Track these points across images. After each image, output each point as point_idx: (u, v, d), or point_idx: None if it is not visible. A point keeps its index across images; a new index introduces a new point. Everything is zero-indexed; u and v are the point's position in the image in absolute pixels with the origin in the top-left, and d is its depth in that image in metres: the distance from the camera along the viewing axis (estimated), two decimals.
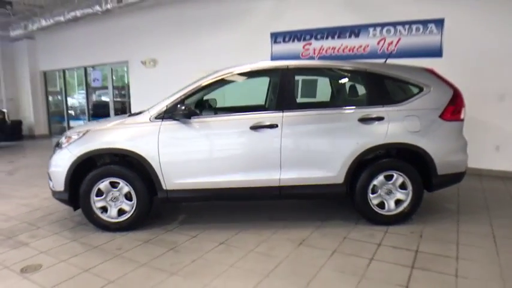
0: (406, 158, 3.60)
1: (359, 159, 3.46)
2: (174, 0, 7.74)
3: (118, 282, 2.67)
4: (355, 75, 3.77)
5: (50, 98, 11.66)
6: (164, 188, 3.48)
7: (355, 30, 6.27)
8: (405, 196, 3.55)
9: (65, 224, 3.85)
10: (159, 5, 8.09)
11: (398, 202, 3.57)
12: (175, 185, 3.48)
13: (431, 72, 3.72)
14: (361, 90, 3.83)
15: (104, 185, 3.51)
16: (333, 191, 3.52)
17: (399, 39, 5.93)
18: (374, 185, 3.53)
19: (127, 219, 3.57)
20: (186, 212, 4.15)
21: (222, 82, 3.64)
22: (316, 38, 6.65)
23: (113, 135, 3.52)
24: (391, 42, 6.00)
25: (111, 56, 9.39)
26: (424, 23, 5.69)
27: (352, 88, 3.84)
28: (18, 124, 10.64)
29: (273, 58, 7.13)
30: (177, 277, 2.72)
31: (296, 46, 6.85)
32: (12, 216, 4.12)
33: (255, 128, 3.42)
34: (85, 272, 2.83)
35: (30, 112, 11.08)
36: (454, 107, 3.57)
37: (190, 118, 3.43)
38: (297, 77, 3.74)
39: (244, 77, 3.77)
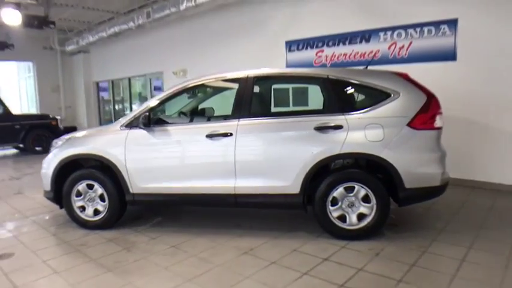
0: (373, 170, 3.41)
1: (315, 169, 3.34)
2: (197, 13, 8.10)
3: (62, 273, 2.95)
4: (317, 82, 3.65)
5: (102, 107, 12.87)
6: (131, 191, 3.71)
7: (365, 35, 6.02)
8: (369, 210, 3.35)
9: (57, 220, 4.26)
10: (184, 18, 8.52)
11: (361, 216, 3.38)
12: (140, 188, 3.69)
13: (403, 77, 3.48)
14: (322, 97, 3.70)
15: (82, 186, 3.85)
16: (288, 201, 3.45)
17: (410, 43, 5.56)
18: (334, 197, 3.38)
19: (101, 218, 3.87)
20: (164, 215, 4.34)
21: (187, 91, 3.80)
22: (328, 45, 6.50)
23: (89, 142, 3.86)
24: (402, 47, 5.65)
25: (149, 67, 10.11)
26: (437, 24, 5.27)
27: (314, 95, 3.73)
28: (71, 130, 11.87)
29: (287, 66, 7.10)
30: (110, 274, 2.92)
31: (309, 54, 6.76)
32: (20, 210, 4.67)
33: (211, 136, 3.50)
34: (43, 262, 3.16)
35: (84, 119, 12.33)
36: (426, 115, 3.29)
37: (149, 126, 3.62)
38: (262, 86, 3.76)
39: (210, 87, 3.87)
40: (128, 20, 8.52)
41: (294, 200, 3.42)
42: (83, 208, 3.90)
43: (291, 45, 7.05)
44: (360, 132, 3.29)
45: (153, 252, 3.31)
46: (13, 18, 6.20)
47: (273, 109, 3.76)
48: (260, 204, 3.57)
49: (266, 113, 3.67)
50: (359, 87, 3.49)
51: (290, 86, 3.95)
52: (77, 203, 3.89)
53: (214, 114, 4.33)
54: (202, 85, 3.82)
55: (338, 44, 6.37)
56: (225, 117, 3.66)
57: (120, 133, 3.73)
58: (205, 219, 4.12)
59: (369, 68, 3.85)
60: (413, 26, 5.49)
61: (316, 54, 6.67)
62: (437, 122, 3.34)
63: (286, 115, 3.64)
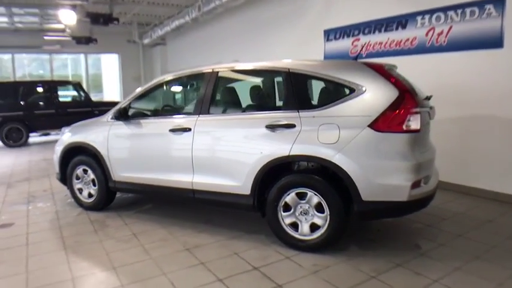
0: (334, 176, 3.02)
1: (264, 171, 3.12)
2: (243, 4, 8.06)
3: (29, 246, 3.37)
4: (278, 76, 3.32)
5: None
6: (113, 178, 3.99)
7: (402, 21, 5.26)
8: (322, 221, 3.00)
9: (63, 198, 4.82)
10: (232, 10, 8.56)
11: (314, 227, 3.05)
12: (119, 177, 3.95)
13: (375, 68, 2.97)
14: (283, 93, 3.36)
15: (79, 171, 4.28)
16: (239, 202, 3.29)
17: (450, 28, 4.67)
18: (286, 202, 3.12)
19: (92, 201, 4.27)
20: (156, 203, 4.52)
21: (161, 86, 3.87)
22: (364, 33, 5.87)
23: (83, 131, 4.24)
24: (441, 32, 4.78)
25: (208, 59, 10.48)
26: (481, 4, 4.32)
27: (272, 91, 3.41)
28: None
29: (325, 56, 6.67)
30: (61, 252, 3.24)
31: (345, 43, 6.21)
32: (47, 189, 5.39)
33: (174, 130, 3.52)
34: (25, 234, 3.64)
35: None
36: (394, 114, 2.77)
37: (127, 119, 3.81)
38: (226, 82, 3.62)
39: (181, 82, 3.88)
40: (184, 15, 8.95)
41: (244, 201, 3.26)
42: (80, 190, 4.33)
43: (329, 34, 6.57)
44: (312, 133, 2.94)
45: (113, 237, 3.53)
46: (69, 18, 7.13)
47: (240, 104, 3.57)
48: (215, 202, 3.49)
49: (227, 109, 3.53)
50: (322, 82, 3.11)
51: (258, 81, 3.68)
52: (77, 185, 4.34)
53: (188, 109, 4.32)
54: (176, 79, 3.85)
55: (374, 32, 5.71)
56: (189, 112, 3.64)
57: (106, 124, 4.01)
58: (189, 211, 4.17)
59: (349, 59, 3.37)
60: (454, 8, 4.60)
61: (352, 43, 6.09)
62: (410, 124, 2.78)
63: (242, 111, 3.44)
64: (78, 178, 4.31)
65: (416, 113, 2.80)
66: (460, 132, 4.74)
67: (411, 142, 2.81)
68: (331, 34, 6.52)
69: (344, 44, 6.24)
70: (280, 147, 3.04)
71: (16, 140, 9.35)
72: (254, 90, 3.62)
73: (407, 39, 5.21)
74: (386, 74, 2.93)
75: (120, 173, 3.92)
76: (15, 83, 10.24)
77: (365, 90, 2.88)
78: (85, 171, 4.23)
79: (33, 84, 10.10)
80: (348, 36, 6.16)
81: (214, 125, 3.39)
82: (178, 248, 3.25)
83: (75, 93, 10.46)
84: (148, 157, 3.75)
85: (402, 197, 2.77)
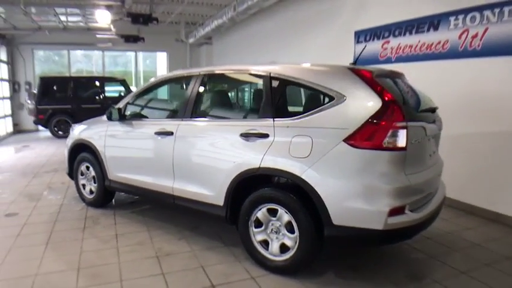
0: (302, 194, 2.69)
1: (237, 182, 2.92)
2: (276, 4, 7.82)
3: (21, 236, 3.56)
4: (260, 80, 3.06)
5: None
6: (108, 177, 4.05)
7: (434, 22, 4.69)
8: (292, 242, 2.74)
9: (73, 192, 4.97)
10: (266, 10, 8.36)
11: (284, 248, 2.79)
12: (114, 176, 4.00)
13: (361, 75, 2.62)
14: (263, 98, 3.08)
15: (83, 167, 4.42)
16: (214, 213, 3.13)
17: (486, 30, 4.05)
18: (257, 218, 2.90)
19: (93, 197, 4.40)
20: (152, 204, 4.51)
21: (155, 87, 3.83)
22: (394, 35, 5.36)
23: (86, 129, 4.35)
24: (476, 35, 4.17)
25: (248, 59, 10.41)
26: None
27: (252, 96, 3.16)
28: None
29: (355, 60, 6.21)
30: (42, 246, 3.33)
31: (375, 46, 5.72)
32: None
33: (159, 133, 3.47)
34: (25, 224, 3.82)
35: None
36: (375, 128, 2.42)
37: (120, 120, 3.83)
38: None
39: (173, 84, 3.79)
40: (222, 15, 8.94)
41: (218, 212, 3.09)
42: (84, 186, 4.47)
43: (359, 36, 6.11)
44: (284, 144, 2.69)
45: (96, 236, 3.58)
46: (104, 18, 7.46)
47: (221, 110, 3.41)
48: (193, 211, 3.36)
49: (208, 114, 3.37)
50: (303, 88, 2.83)
51: (240, 86, 3.47)
52: (81, 181, 4.50)
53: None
54: (169, 81, 3.79)
55: (404, 34, 5.18)
56: (175, 116, 3.54)
57: (105, 123, 4.08)
58: (181, 216, 4.09)
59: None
60: (491, 7, 3.98)
61: (382, 46, 5.59)
62: (393, 140, 2.41)
63: (221, 118, 3.25)
64: (82, 174, 4.45)
65: (401, 127, 2.42)
66: (492, 149, 4.11)
67: (393, 162, 2.43)
68: (361, 36, 6.06)
69: (374, 47, 5.76)
70: (251, 158, 2.83)
71: (64, 131, 10.07)
72: (235, 95, 3.44)
73: (439, 42, 4.64)
74: (372, 81, 2.57)
75: (115, 172, 3.96)
76: (66, 78, 11.04)
77: (345, 100, 2.55)
78: (88, 168, 4.35)
79: (82, 79, 10.82)
80: (378, 38, 5.67)
81: (193, 130, 3.27)
82: (150, 254, 3.19)
83: (122, 88, 11.01)
84: (137, 159, 3.74)
85: (377, 225, 2.40)
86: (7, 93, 11.12)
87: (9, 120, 11.21)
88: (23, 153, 8.37)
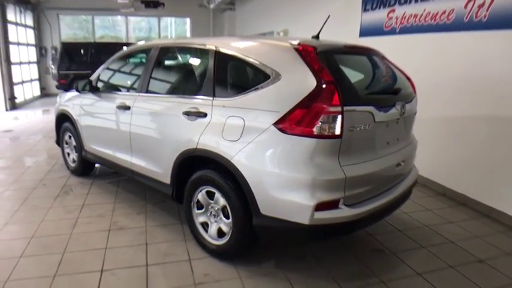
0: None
1: (180, 161, 2.83)
2: None
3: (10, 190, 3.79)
4: (206, 55, 2.83)
5: None
6: (84, 148, 4.11)
7: None
8: (227, 228, 2.64)
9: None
10: None
11: (221, 232, 2.70)
12: (88, 147, 4.06)
13: (301, 51, 2.34)
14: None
15: (67, 137, 4.53)
16: (162, 190, 3.08)
17: None
18: (198, 199, 2.81)
19: (74, 167, 4.52)
20: None
21: (123, 59, 3.74)
22: (399, 2, 4.81)
23: (67, 100, 4.39)
24: (482, 4, 3.62)
25: (264, 27, 10.01)
26: None
27: (199, 72, 2.94)
28: None
29: (361, 30, 5.73)
30: (11, 213, 3.50)
31: (381, 15, 5.20)
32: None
33: (119, 107, 3.42)
34: (8, 191, 4.02)
35: None
36: (305, 112, 2.18)
37: (89, 91, 3.82)
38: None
39: (138, 56, 3.66)
40: None
41: (166, 190, 3.04)
42: (68, 154, 4.59)
43: (366, 3, 5.57)
44: (219, 125, 2.53)
45: (64, 205, 3.69)
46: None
47: (172, 85, 3.26)
48: (148, 186, 3.32)
49: (161, 89, 3.23)
50: (244, 64, 2.60)
51: (191, 60, 3.26)
52: (66, 149, 4.62)
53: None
54: (135, 53, 3.67)
55: (410, 1, 4.63)
56: (134, 89, 3.44)
57: (80, 94, 4.08)
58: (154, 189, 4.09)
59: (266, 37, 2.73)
60: None
61: (388, 15, 5.07)
62: (328, 127, 2.15)
63: (171, 93, 3.10)
64: (66, 143, 4.56)
65: (336, 112, 2.16)
66: (492, 136, 3.67)
67: (325, 151, 2.19)
68: (368, 3, 5.52)
69: (379, 16, 5.24)
70: (190, 137, 2.70)
71: None
72: (184, 70, 3.26)
73: (444, 12, 4.10)
74: (311, 59, 2.29)
75: (88, 143, 4.01)
76: (87, 44, 11.24)
77: (280, 79, 2.32)
78: (70, 137, 4.44)
79: (103, 45, 10.95)
80: (384, 6, 5.14)
81: (146, 106, 3.17)
82: (104, 227, 3.23)
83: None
84: (103, 132, 3.75)
85: (303, 219, 2.21)
86: (34, 58, 11.60)
87: (37, 84, 11.76)
88: (43, 117, 8.79)
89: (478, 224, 3.54)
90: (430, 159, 4.40)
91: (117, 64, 3.83)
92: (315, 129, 2.15)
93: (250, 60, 2.50)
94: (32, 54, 11.41)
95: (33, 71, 11.41)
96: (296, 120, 2.20)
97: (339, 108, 2.15)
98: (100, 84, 3.88)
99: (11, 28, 9.61)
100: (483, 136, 3.75)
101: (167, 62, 3.32)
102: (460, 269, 2.74)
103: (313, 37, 2.89)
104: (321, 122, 2.14)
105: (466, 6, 3.83)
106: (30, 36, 11.29)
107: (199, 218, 2.84)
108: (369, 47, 2.94)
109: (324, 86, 2.17)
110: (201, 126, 2.64)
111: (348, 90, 2.28)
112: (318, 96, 2.16)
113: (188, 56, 3.18)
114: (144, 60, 3.46)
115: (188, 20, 13.69)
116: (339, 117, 2.15)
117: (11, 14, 9.75)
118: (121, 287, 2.43)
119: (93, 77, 3.92)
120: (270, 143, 2.29)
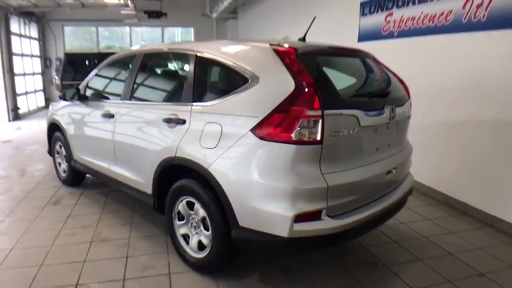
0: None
1: (160, 170, 2.72)
2: None
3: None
4: (186, 60, 2.72)
5: None
6: (73, 157, 4.03)
7: None
8: (207, 240, 2.51)
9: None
10: None
11: (201, 245, 2.57)
12: (77, 157, 3.98)
13: (280, 53, 2.23)
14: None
15: (57, 146, 4.46)
16: (145, 200, 2.97)
17: None
18: (179, 210, 2.68)
19: (65, 176, 4.45)
20: None
21: (110, 67, 3.68)
22: (397, 6, 4.68)
23: (56, 109, 4.33)
24: (481, 4, 3.47)
25: (266, 34, 9.94)
26: None
27: (179, 78, 2.85)
28: None
29: (359, 34, 5.60)
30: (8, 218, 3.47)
31: (378, 19, 5.07)
32: None
33: (104, 116, 3.34)
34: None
35: None
36: (283, 117, 2.05)
37: (76, 100, 3.76)
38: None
39: (123, 63, 3.57)
40: None
41: (148, 201, 2.93)
42: (60, 164, 4.52)
43: (364, 7, 5.45)
44: (197, 132, 2.42)
45: (50, 216, 3.60)
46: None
47: (154, 92, 3.17)
48: (132, 197, 3.21)
49: (144, 96, 3.14)
50: (223, 68, 2.50)
51: (172, 66, 3.17)
52: (57, 159, 4.55)
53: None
54: (120, 60, 3.59)
55: (407, 4, 4.50)
56: (118, 97, 3.36)
57: (69, 104, 4.02)
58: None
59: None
60: None
61: (385, 18, 4.93)
62: (307, 132, 2.01)
63: (151, 101, 3.01)
64: (58, 153, 4.50)
65: (315, 116, 2.02)
66: (494, 141, 3.48)
67: (304, 158, 2.05)
68: (366, 7, 5.40)
69: (377, 20, 5.11)
70: (169, 145, 2.60)
71: None
72: (166, 76, 3.17)
73: (442, 13, 3.96)
74: (290, 60, 2.17)
75: (77, 153, 3.94)
76: (90, 54, 11.32)
77: (258, 82, 2.20)
78: (60, 147, 4.37)
79: (105, 55, 10.98)
80: (382, 9, 5.01)
81: (128, 114, 3.09)
82: (86, 239, 3.12)
83: None
84: (90, 141, 3.68)
85: (282, 232, 2.07)
86: (38, 69, 11.72)
87: (41, 94, 11.87)
88: (45, 127, 8.78)
89: (481, 234, 3.34)
90: (432, 166, 4.22)
91: (103, 71, 3.77)
92: (294, 135, 2.02)
93: (229, 63, 2.40)
94: (36, 65, 11.54)
95: (37, 82, 11.52)
96: (274, 125, 2.07)
97: (319, 112, 2.02)
98: (88, 93, 3.82)
99: (14, 40, 9.73)
100: (486, 141, 3.57)
101: (150, 69, 3.23)
102: (458, 283, 2.55)
103: (299, 39, 2.78)
104: (299, 127, 2.01)
105: (464, 7, 3.68)
106: (34, 47, 11.44)
107: (181, 230, 2.72)
108: (358, 48, 2.81)
109: (302, 88, 2.04)
110: (180, 134, 2.53)
111: (329, 93, 2.15)
112: (297, 100, 2.03)
113: (170, 61, 3.10)
114: (129, 67, 3.37)
115: (192, 29, 13.71)
116: (319, 121, 2.02)
117: (15, 25, 9.88)
118: None
119: (82, 85, 3.86)
120: (248, 150, 2.16)
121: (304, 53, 2.26)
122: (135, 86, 3.13)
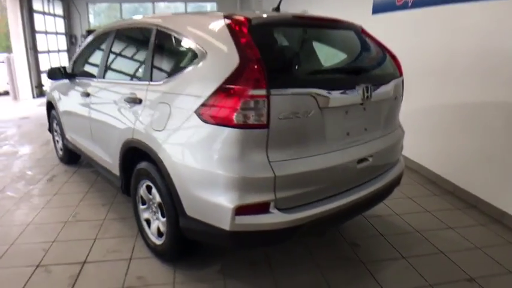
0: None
1: (123, 152, 2.61)
2: None
3: None
4: (148, 35, 2.52)
5: None
6: (66, 136, 4.03)
7: None
8: (164, 227, 2.38)
9: None
10: None
11: (160, 232, 2.46)
12: (68, 136, 3.97)
13: (229, 23, 1.98)
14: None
15: (54, 124, 4.49)
16: (115, 182, 2.89)
17: None
18: (141, 195, 2.58)
19: (62, 154, 4.50)
20: None
21: (94, 44, 3.55)
22: None
23: (53, 88, 4.31)
24: None
25: (288, 8, 9.47)
26: None
27: (142, 54, 2.64)
28: None
29: (374, 6, 5.12)
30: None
31: None
32: None
33: (83, 94, 3.27)
34: None
35: None
36: (225, 97, 1.84)
37: (64, 78, 3.70)
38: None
39: (105, 39, 3.42)
40: None
41: (117, 183, 2.84)
42: (58, 141, 4.57)
43: None
44: (150, 113, 2.27)
45: (41, 194, 3.64)
46: None
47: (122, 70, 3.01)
48: (106, 178, 3.14)
49: (114, 74, 2.99)
50: (178, 43, 2.29)
51: (137, 42, 2.97)
52: (56, 137, 4.59)
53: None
54: (103, 36, 3.44)
55: None
56: (95, 75, 3.24)
57: (59, 83, 3.99)
58: None
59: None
60: None
61: None
62: (251, 114, 1.78)
63: (117, 79, 2.85)
64: (56, 131, 4.54)
65: (260, 96, 1.78)
66: (508, 127, 3.05)
67: (249, 143, 1.82)
68: None
69: None
70: (127, 126, 2.47)
71: None
72: (132, 53, 2.99)
73: None
74: (238, 32, 1.92)
75: (67, 132, 3.93)
76: None
77: (206, 57, 1.98)
78: (56, 125, 4.40)
79: None
80: None
81: (100, 93, 2.98)
82: (63, 219, 3.12)
83: None
84: (73, 120, 3.65)
85: (224, 224, 1.89)
86: (64, 46, 11.99)
87: None
88: None
89: (484, 231, 2.98)
90: (444, 153, 3.82)
91: (86, 49, 3.66)
92: (236, 117, 1.80)
93: (183, 37, 2.20)
94: (62, 42, 11.80)
95: (63, 59, 11.81)
96: (216, 106, 1.85)
97: (264, 92, 1.77)
98: (74, 70, 3.75)
99: (38, 17, 9.90)
100: (499, 125, 3.13)
101: (120, 45, 3.08)
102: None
103: (273, 9, 2.51)
104: (241, 108, 1.78)
105: None
106: (59, 25, 11.65)
107: (144, 214, 2.62)
108: (337, 18, 2.47)
109: (247, 64, 1.80)
110: (136, 114, 2.39)
111: (282, 69, 1.90)
112: (240, 77, 1.80)
113: (137, 37, 2.91)
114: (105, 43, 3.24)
115: (215, 4, 13.39)
116: (265, 102, 1.78)
117: (38, 3, 10.04)
118: (45, 286, 2.28)
119: (69, 63, 3.80)
120: (191, 134, 1.98)
121: (259, 24, 2.01)
122: (107, 63, 3.01)
